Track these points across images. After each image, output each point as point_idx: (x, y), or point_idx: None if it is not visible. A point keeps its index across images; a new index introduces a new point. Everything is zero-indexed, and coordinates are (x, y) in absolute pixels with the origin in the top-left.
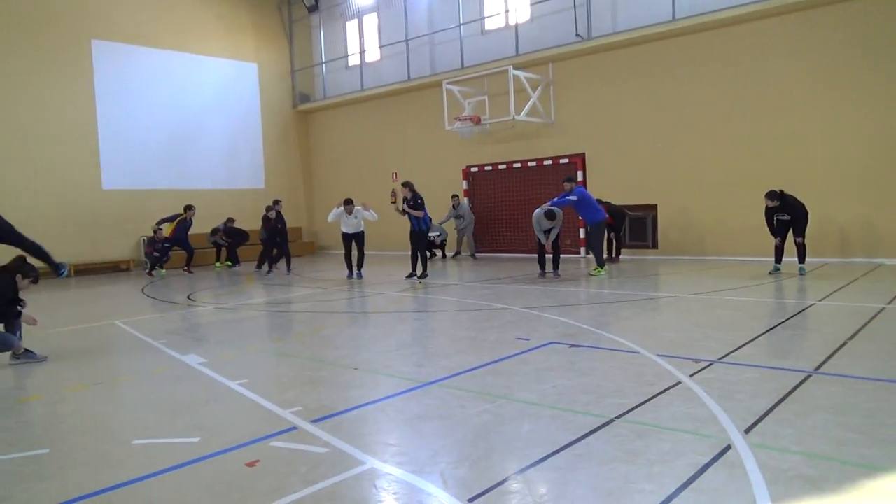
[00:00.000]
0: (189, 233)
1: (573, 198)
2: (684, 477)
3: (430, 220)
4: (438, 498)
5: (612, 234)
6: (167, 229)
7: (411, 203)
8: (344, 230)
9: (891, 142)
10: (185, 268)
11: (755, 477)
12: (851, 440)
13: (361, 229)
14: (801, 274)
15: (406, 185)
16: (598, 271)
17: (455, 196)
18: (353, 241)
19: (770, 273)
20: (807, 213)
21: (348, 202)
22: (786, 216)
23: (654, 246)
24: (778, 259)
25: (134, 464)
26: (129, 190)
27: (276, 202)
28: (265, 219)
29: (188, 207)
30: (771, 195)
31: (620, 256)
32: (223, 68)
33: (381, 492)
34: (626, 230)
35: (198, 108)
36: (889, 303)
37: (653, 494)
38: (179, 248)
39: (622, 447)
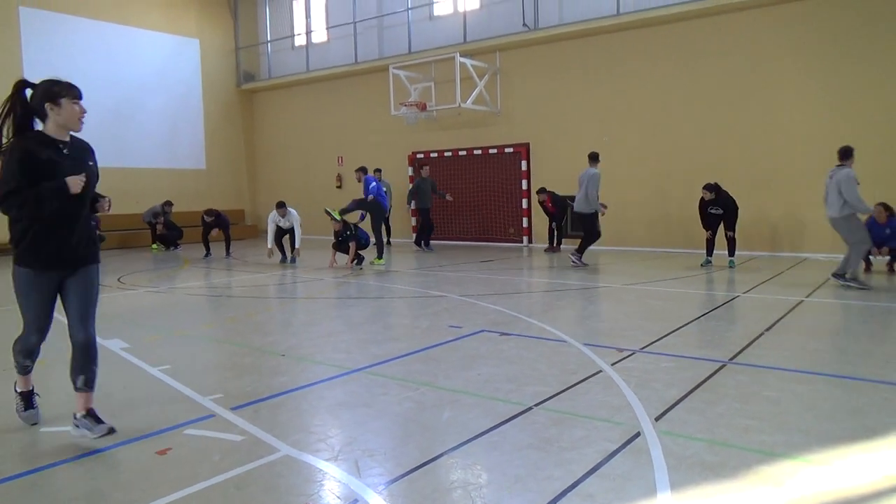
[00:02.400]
0: (126, 213)
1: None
2: (592, 463)
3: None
4: (350, 485)
5: (553, 224)
6: None
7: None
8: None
9: (821, 140)
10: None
11: (658, 463)
12: (754, 427)
13: (292, 227)
14: (731, 266)
15: (359, 170)
16: (379, 262)
17: (378, 170)
18: (286, 232)
19: (702, 265)
20: (737, 208)
21: (280, 205)
22: (718, 210)
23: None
24: (709, 252)
25: (40, 452)
26: None
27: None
28: (203, 219)
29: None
30: (708, 187)
31: (562, 246)
32: (163, 43)
33: (292, 479)
34: (567, 221)
35: (136, 84)
36: (807, 296)
37: (559, 480)
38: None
39: (536, 434)
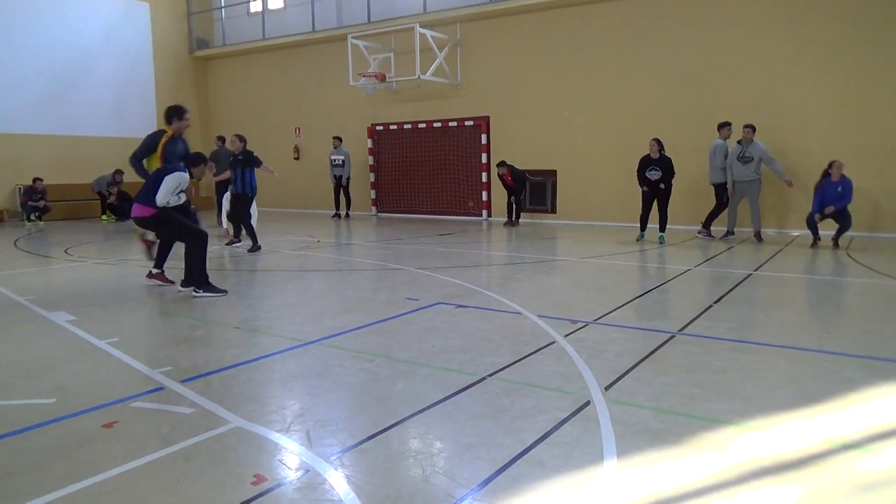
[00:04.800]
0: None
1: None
2: (542, 431)
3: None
4: (301, 456)
5: (512, 197)
6: None
7: (240, 157)
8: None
9: (775, 115)
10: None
11: (606, 431)
12: (699, 396)
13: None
14: (661, 243)
15: (239, 138)
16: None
17: (337, 138)
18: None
19: (659, 243)
20: (674, 174)
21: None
22: (657, 172)
23: (553, 211)
24: (643, 227)
25: None
26: (1, 134)
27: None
28: None
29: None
30: (657, 141)
31: (520, 220)
32: (111, 6)
33: (242, 450)
34: (526, 194)
35: (82, 49)
36: (756, 269)
37: (509, 448)
38: None
39: (489, 404)
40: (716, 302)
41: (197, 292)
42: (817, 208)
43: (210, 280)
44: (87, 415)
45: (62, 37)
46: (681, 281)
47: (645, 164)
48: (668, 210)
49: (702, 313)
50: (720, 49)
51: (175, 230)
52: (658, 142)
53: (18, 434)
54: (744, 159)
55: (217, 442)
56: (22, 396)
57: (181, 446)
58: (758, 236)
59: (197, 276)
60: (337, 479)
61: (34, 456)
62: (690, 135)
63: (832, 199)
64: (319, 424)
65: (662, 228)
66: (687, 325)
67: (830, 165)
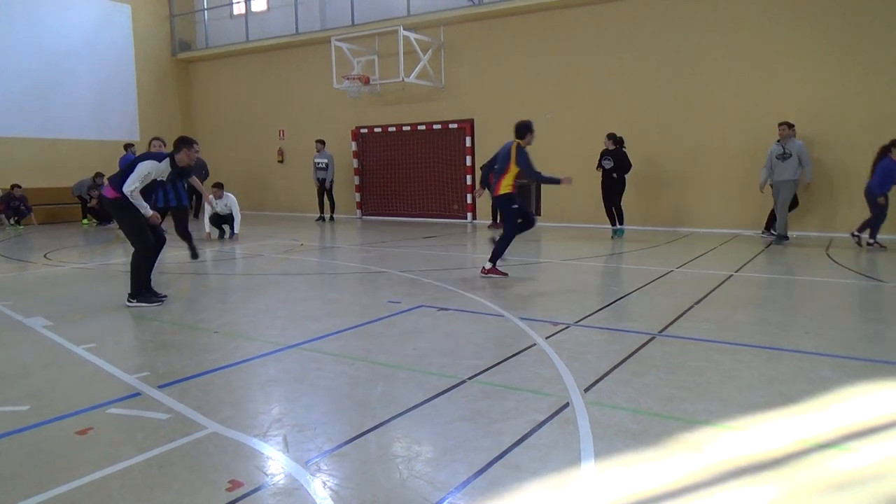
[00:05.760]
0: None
1: None
2: (520, 434)
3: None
4: (278, 461)
5: None
6: None
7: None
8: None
9: (755, 118)
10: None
11: (584, 432)
12: (677, 396)
13: (230, 213)
14: (619, 235)
15: (163, 143)
16: None
17: (320, 141)
18: (224, 218)
19: (612, 237)
20: (629, 167)
21: (217, 186)
22: (610, 162)
23: (538, 213)
24: (612, 222)
25: None
26: None
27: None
28: None
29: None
30: (609, 136)
31: None
32: (91, 7)
33: (218, 456)
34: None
35: (62, 51)
36: (737, 270)
37: (487, 451)
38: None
39: (468, 407)
40: (696, 303)
41: (130, 302)
42: (887, 187)
43: (152, 287)
44: (61, 422)
45: (41, 38)
46: (663, 282)
47: (601, 155)
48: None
49: (682, 314)
50: (704, 49)
51: (128, 225)
52: (611, 136)
53: None
54: (783, 157)
55: (193, 448)
56: None
57: (156, 452)
58: (780, 238)
59: (132, 284)
60: (313, 484)
61: (6, 465)
62: (674, 135)
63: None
64: (297, 429)
65: (620, 221)
66: (667, 327)
67: (894, 143)
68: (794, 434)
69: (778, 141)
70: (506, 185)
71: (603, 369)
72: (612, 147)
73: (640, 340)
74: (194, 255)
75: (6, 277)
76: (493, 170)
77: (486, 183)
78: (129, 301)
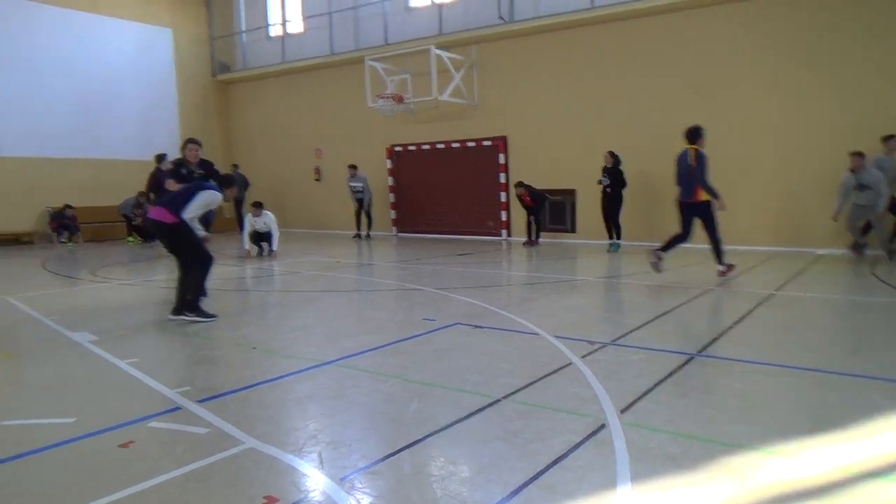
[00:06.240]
0: (102, 204)
1: None
2: (556, 455)
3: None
4: (312, 478)
5: (531, 217)
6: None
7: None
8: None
9: (793, 133)
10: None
11: (621, 455)
12: (718, 419)
13: (268, 230)
14: (614, 250)
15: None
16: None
17: (352, 166)
18: (263, 235)
19: (607, 251)
20: (623, 186)
21: (257, 205)
22: (606, 180)
23: (573, 230)
24: (609, 235)
25: (0, 445)
26: (32, 158)
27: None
28: None
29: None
30: (609, 153)
31: (540, 240)
32: (135, 32)
33: (255, 471)
34: (546, 214)
35: (108, 74)
36: (777, 289)
37: (522, 472)
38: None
39: (503, 426)
40: (737, 322)
41: (187, 315)
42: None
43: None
44: (105, 434)
45: (89, 63)
46: (702, 300)
47: (603, 170)
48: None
49: (722, 334)
50: (737, 67)
51: (189, 246)
52: (610, 153)
53: (38, 453)
54: (861, 188)
55: (230, 462)
56: (43, 415)
57: (195, 466)
58: (892, 254)
59: (191, 298)
60: (348, 502)
61: (54, 475)
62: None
63: None
64: (332, 446)
65: (617, 236)
66: (707, 346)
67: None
68: (841, 462)
69: (851, 170)
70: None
71: (640, 390)
72: (610, 164)
73: (678, 360)
74: None
75: (55, 293)
76: (686, 179)
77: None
78: (185, 314)
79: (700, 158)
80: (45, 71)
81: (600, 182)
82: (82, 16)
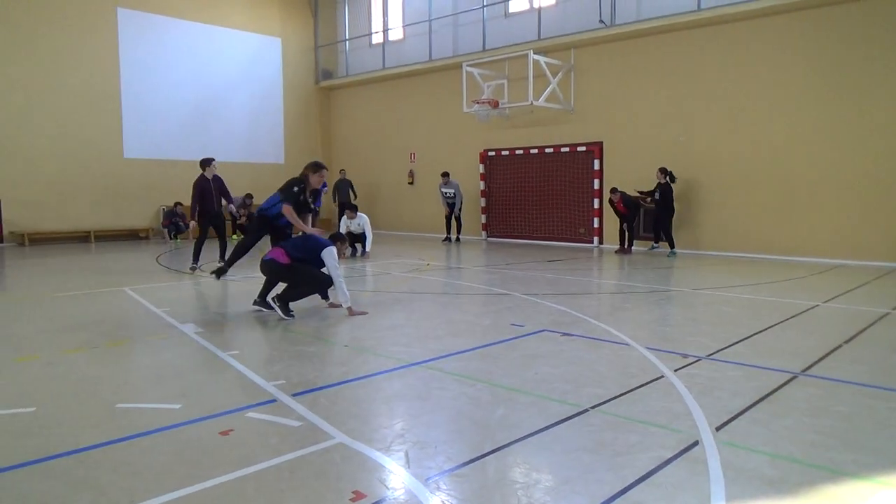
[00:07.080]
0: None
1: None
2: (645, 470)
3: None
4: (398, 476)
5: (624, 224)
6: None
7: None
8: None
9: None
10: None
11: (715, 474)
12: (822, 443)
13: (362, 232)
14: (652, 248)
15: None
16: None
17: (445, 174)
18: (357, 237)
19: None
20: (671, 201)
21: (351, 208)
22: (656, 195)
23: (631, 243)
24: (625, 244)
25: (113, 427)
26: (151, 160)
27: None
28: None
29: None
30: (662, 170)
31: (633, 248)
32: (247, 42)
33: (344, 466)
34: (639, 222)
35: (221, 82)
36: (894, 308)
37: (609, 485)
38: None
39: (590, 437)
40: (846, 342)
41: (275, 303)
42: None
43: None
44: (207, 421)
45: (204, 72)
46: (807, 317)
47: (657, 186)
48: None
49: (829, 353)
50: (860, 69)
51: (305, 276)
52: (661, 170)
53: (147, 435)
54: None
55: (321, 456)
56: (153, 401)
57: (288, 458)
58: None
59: (288, 297)
60: (433, 502)
61: (160, 457)
62: (820, 157)
63: None
64: (419, 446)
65: (657, 240)
66: (812, 366)
67: None
68: None
69: None
70: None
71: (737, 408)
72: (661, 179)
73: (780, 379)
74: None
75: (166, 286)
76: None
77: None
78: (275, 302)
79: None
80: (168, 80)
81: (651, 200)
82: (202, 27)
